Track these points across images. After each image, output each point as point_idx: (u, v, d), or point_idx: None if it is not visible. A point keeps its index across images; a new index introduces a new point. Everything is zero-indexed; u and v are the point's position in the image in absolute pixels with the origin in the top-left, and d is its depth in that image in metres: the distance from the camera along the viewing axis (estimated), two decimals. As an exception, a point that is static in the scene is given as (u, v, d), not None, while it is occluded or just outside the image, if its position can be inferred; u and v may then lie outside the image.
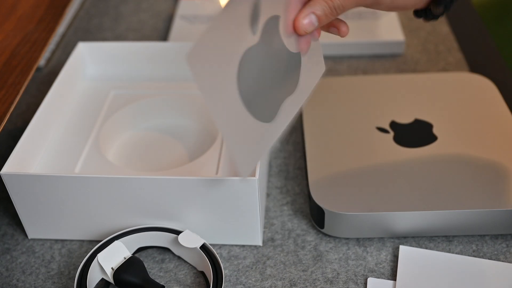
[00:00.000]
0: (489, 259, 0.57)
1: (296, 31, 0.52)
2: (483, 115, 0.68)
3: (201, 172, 0.60)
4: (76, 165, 0.62)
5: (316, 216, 0.60)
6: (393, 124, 0.67)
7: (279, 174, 0.67)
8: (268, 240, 0.60)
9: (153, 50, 0.73)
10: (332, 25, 0.55)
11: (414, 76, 0.75)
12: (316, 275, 0.56)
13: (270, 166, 0.68)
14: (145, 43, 0.73)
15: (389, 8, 0.54)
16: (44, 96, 0.65)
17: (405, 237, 0.59)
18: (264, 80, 0.52)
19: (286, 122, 0.55)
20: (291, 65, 0.54)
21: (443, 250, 0.58)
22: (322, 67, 0.58)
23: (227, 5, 0.46)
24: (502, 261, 0.56)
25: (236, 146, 0.50)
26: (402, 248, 0.58)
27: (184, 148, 0.68)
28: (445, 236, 0.59)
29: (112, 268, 0.55)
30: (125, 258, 0.56)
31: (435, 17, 0.57)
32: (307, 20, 0.51)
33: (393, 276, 0.56)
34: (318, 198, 0.58)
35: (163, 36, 0.94)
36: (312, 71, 0.57)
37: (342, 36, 0.55)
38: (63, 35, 0.96)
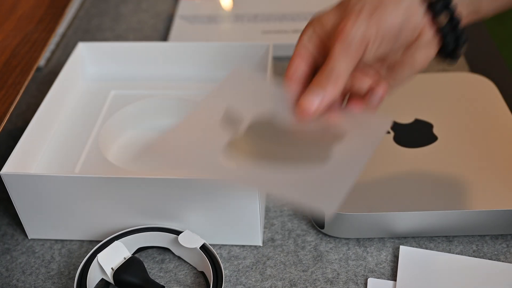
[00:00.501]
0: (489, 259, 0.57)
1: (301, 116, 0.49)
2: (483, 115, 0.68)
3: (201, 172, 0.60)
4: (76, 165, 0.62)
5: (316, 216, 0.60)
6: (393, 124, 0.67)
7: (279, 174, 0.67)
8: (268, 240, 0.60)
9: (153, 50, 0.73)
10: (368, 91, 0.52)
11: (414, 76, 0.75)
12: (316, 275, 0.56)
13: (270, 166, 0.68)
14: (145, 43, 0.73)
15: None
16: (44, 96, 0.65)
17: (405, 237, 0.59)
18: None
19: (355, 164, 0.50)
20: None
21: (443, 250, 0.58)
22: (384, 121, 0.54)
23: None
24: (502, 261, 0.56)
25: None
26: (402, 248, 0.58)
27: (184, 148, 0.67)
28: (445, 236, 0.59)
29: (112, 268, 0.55)
30: (125, 258, 0.56)
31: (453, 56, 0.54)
32: (311, 101, 0.49)
33: (393, 276, 0.56)
34: (318, 198, 0.58)
35: (163, 36, 0.94)
36: (370, 128, 0.53)
37: (381, 98, 0.52)
38: (63, 35, 0.96)
